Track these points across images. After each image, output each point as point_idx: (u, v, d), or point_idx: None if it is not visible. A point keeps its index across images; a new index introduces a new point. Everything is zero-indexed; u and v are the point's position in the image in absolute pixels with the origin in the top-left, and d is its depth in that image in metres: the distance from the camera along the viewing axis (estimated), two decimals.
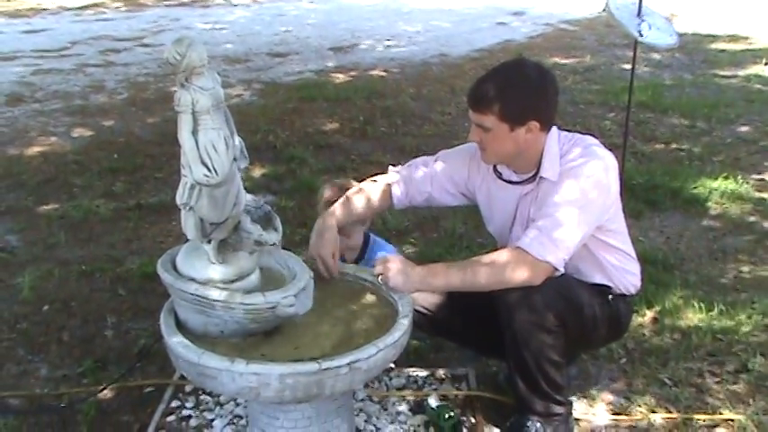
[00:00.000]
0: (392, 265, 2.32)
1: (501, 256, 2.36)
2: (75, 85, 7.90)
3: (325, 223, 2.59)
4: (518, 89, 2.37)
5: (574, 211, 2.33)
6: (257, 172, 5.20)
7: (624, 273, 2.58)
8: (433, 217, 4.46)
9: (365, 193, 2.72)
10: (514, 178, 2.55)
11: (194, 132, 1.90)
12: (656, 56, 8.82)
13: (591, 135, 2.57)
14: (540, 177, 2.46)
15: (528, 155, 2.46)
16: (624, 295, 2.61)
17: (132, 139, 6.10)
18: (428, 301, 2.65)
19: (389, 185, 2.74)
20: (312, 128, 6.29)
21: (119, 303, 3.56)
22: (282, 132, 6.13)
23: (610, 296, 2.55)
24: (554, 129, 2.50)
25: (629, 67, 8.20)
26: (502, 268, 2.32)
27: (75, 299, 3.60)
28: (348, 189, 2.82)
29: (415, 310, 2.46)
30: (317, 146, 5.79)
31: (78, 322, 3.40)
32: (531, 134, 2.40)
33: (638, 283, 2.66)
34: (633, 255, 2.63)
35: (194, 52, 1.84)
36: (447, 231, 4.25)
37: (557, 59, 8.87)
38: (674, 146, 5.83)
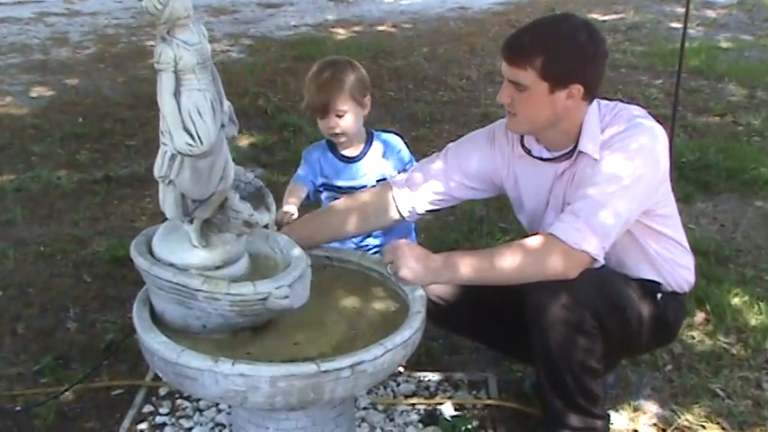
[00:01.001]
0: (404, 252, 2.30)
1: (530, 243, 2.34)
2: (35, 36, 7.89)
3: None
4: (565, 45, 2.35)
5: (616, 192, 2.31)
6: (245, 141, 5.20)
7: (676, 266, 2.56)
8: None
9: (357, 209, 2.67)
10: (546, 155, 2.53)
11: (176, 94, 1.88)
12: (711, 13, 8.78)
13: (636, 105, 2.55)
14: (579, 153, 2.44)
15: (563, 127, 2.44)
16: (676, 293, 2.59)
17: (100, 100, 6.09)
18: (443, 290, 2.63)
19: (392, 197, 2.67)
20: None
21: (83, 291, 3.56)
22: (274, 96, 6.13)
23: (658, 294, 2.53)
24: (594, 101, 2.48)
25: (678, 25, 8.30)
26: (531, 258, 2.31)
27: (32, 285, 3.60)
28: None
29: (429, 300, 2.46)
30: None
31: (36, 312, 3.40)
32: (572, 101, 2.38)
33: (692, 279, 2.64)
34: (686, 245, 2.61)
35: (178, 1, 1.82)
36: (465, 214, 4.24)
37: (595, 15, 8.82)
38: (730, 119, 5.81)
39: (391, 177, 2.79)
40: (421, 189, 2.66)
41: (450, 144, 2.73)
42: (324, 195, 3.00)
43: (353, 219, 2.65)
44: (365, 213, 2.67)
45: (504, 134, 2.62)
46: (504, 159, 2.62)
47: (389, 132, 3.07)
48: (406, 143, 3.04)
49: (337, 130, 2.86)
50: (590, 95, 2.41)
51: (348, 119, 2.85)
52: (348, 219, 2.64)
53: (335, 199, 2.91)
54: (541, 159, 2.54)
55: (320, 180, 2.98)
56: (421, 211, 2.70)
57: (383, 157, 2.96)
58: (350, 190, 2.92)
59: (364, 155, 2.94)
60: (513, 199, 2.70)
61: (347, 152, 2.95)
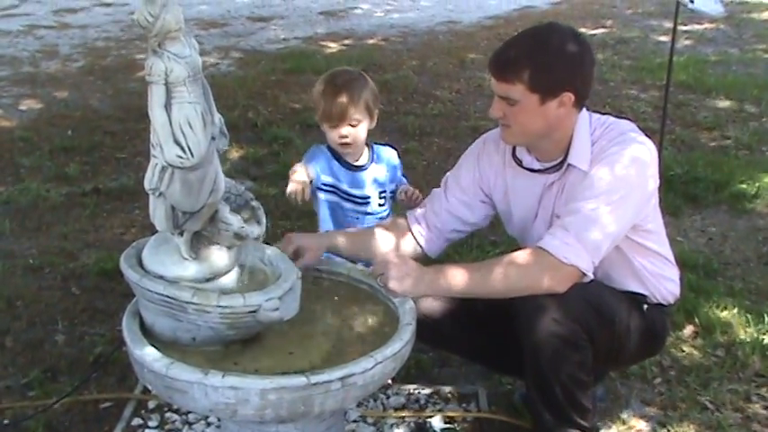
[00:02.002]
0: (394, 265, 2.31)
1: (520, 257, 2.35)
2: (24, 49, 7.88)
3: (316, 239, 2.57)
4: (551, 54, 2.35)
5: (605, 208, 2.32)
6: (235, 154, 5.20)
7: (661, 279, 2.58)
8: None
9: (387, 239, 2.68)
10: (536, 166, 2.54)
11: (167, 106, 1.88)
12: (699, 27, 8.82)
13: (625, 119, 2.57)
14: (569, 165, 2.45)
15: (555, 137, 2.45)
16: (661, 305, 2.60)
17: (89, 113, 6.08)
18: (432, 306, 2.63)
19: (411, 232, 2.71)
20: (299, 104, 6.27)
21: (72, 304, 3.55)
22: (264, 109, 6.13)
23: (644, 306, 2.55)
24: (585, 112, 2.49)
25: (665, 39, 8.35)
26: (521, 272, 2.31)
27: (21, 297, 3.58)
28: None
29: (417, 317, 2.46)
30: (305, 125, 5.77)
31: (24, 325, 3.38)
32: (564, 109, 2.39)
33: (677, 292, 2.66)
34: (671, 258, 2.63)
35: (169, 14, 1.82)
36: None
37: (583, 30, 8.82)
38: (718, 132, 5.84)
39: (409, 213, 2.77)
40: (432, 222, 2.70)
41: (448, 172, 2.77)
42: (324, 197, 2.94)
43: (387, 243, 2.66)
44: (394, 243, 2.68)
45: (494, 144, 2.63)
46: (493, 169, 2.64)
47: (386, 145, 3.06)
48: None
49: (349, 140, 2.84)
50: (581, 103, 2.43)
51: (361, 128, 2.84)
52: (383, 242, 2.65)
53: (335, 203, 2.92)
54: (531, 171, 2.55)
55: (327, 180, 2.91)
56: (439, 244, 2.73)
57: (382, 167, 2.97)
58: (354, 198, 2.92)
59: (369, 165, 2.94)
60: (501, 211, 2.70)
61: (354, 161, 2.94)
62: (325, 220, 2.96)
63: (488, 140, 2.67)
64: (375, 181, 2.94)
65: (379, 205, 2.94)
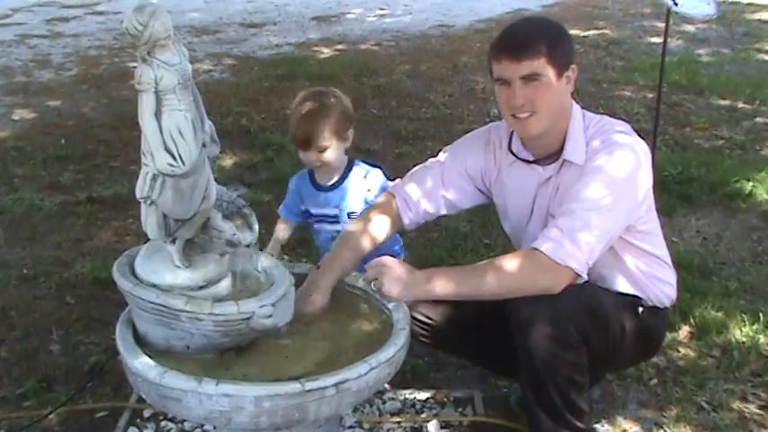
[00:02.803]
0: (388, 269, 2.31)
1: (514, 259, 2.35)
2: (17, 58, 7.87)
3: (317, 283, 2.43)
4: (555, 30, 2.48)
5: (600, 208, 2.33)
6: (228, 161, 5.19)
7: (656, 282, 2.58)
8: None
9: (367, 231, 2.62)
10: (532, 159, 2.56)
11: (157, 114, 1.88)
12: (691, 28, 8.84)
13: (619, 119, 2.57)
14: (564, 161, 2.46)
15: (559, 125, 2.47)
16: (657, 308, 2.61)
17: (82, 121, 6.08)
18: (429, 308, 2.63)
19: (394, 209, 2.67)
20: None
21: (66, 313, 3.54)
22: (258, 115, 6.12)
23: (640, 308, 2.55)
24: (577, 107, 2.51)
25: (658, 40, 8.35)
26: (515, 274, 2.31)
27: (15, 307, 3.57)
28: None
29: (414, 319, 2.47)
30: None
31: (19, 335, 3.37)
32: (570, 85, 2.46)
33: (674, 295, 2.66)
34: (668, 261, 2.63)
35: (158, 21, 1.82)
36: (449, 230, 4.24)
37: (576, 32, 8.84)
38: (711, 132, 5.84)
39: (398, 193, 2.71)
40: (419, 194, 2.68)
41: (446, 147, 2.76)
42: (307, 221, 3.03)
43: (365, 239, 2.59)
44: (374, 230, 2.62)
45: (498, 138, 2.64)
46: (496, 163, 2.65)
47: (375, 167, 3.03)
48: (387, 176, 3.01)
49: (317, 164, 2.88)
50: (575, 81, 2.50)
51: (329, 153, 2.85)
52: (361, 241, 2.58)
53: (312, 224, 3.00)
54: (527, 162, 2.55)
55: (300, 207, 3.01)
56: (419, 220, 2.71)
57: (360, 188, 2.94)
58: (322, 218, 2.96)
59: (338, 185, 2.94)
60: (498, 205, 2.72)
61: (322, 180, 2.95)
62: (315, 239, 3.08)
63: (493, 131, 2.68)
64: (347, 200, 2.93)
65: None
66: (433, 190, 2.68)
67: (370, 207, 2.75)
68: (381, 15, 9.91)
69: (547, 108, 2.43)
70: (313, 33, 9.01)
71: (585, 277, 2.34)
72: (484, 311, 2.45)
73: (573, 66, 2.45)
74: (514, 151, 2.58)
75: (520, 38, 2.43)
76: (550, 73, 2.38)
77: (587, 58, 7.77)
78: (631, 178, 2.39)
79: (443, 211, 2.73)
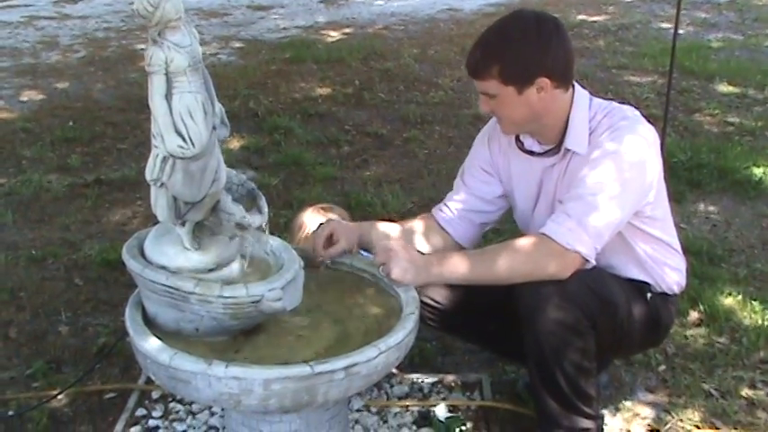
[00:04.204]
0: (396, 253, 2.31)
1: (522, 243, 2.35)
2: (25, 40, 7.87)
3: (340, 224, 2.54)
4: (516, 44, 2.36)
5: (607, 193, 2.32)
6: (236, 144, 5.19)
7: (665, 268, 2.57)
8: (440, 199, 4.41)
9: (414, 228, 2.69)
10: (536, 149, 2.55)
11: (167, 96, 1.88)
12: (701, 14, 8.80)
13: (628, 105, 2.56)
14: (566, 149, 2.45)
15: (550, 120, 2.45)
16: (666, 294, 2.60)
17: (90, 103, 6.07)
18: (438, 292, 2.63)
19: (437, 222, 2.73)
20: (300, 93, 6.27)
21: (75, 294, 3.55)
22: (265, 98, 6.12)
23: (648, 294, 2.54)
24: (584, 94, 2.49)
25: (668, 25, 8.33)
26: (524, 258, 2.31)
27: (24, 289, 3.58)
28: (330, 212, 2.93)
29: (423, 303, 2.48)
30: (306, 114, 5.78)
31: (28, 316, 3.38)
32: (545, 93, 2.38)
33: (683, 282, 2.65)
34: (677, 247, 2.62)
35: (169, 3, 1.82)
36: None
37: (584, 16, 8.85)
38: (721, 118, 5.82)
39: (435, 207, 2.79)
40: (455, 207, 2.72)
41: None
42: None
43: (416, 236, 2.67)
44: (423, 235, 2.69)
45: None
46: (501, 151, 2.66)
47: None
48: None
49: None
50: (562, 83, 2.41)
51: None
52: (412, 235, 2.66)
53: None
54: (532, 154, 2.55)
55: None
56: (470, 230, 2.73)
57: None
58: None
59: None
60: (507, 194, 2.71)
61: None
62: None
63: (495, 126, 2.68)
64: None
65: None
66: (462, 189, 2.72)
67: (419, 221, 2.77)
68: None
69: (510, 119, 2.46)
70: (321, 17, 8.98)
71: (594, 262, 2.33)
72: (492, 296, 2.45)
73: (539, 79, 2.35)
74: (521, 139, 2.59)
75: (471, 61, 2.41)
76: (507, 91, 2.37)
77: (596, 44, 7.76)
78: (639, 163, 2.37)
79: (488, 209, 2.74)
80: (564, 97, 2.44)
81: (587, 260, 2.32)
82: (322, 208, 3.05)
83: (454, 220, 2.71)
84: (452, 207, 2.72)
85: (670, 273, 2.59)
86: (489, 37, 2.41)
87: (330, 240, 2.49)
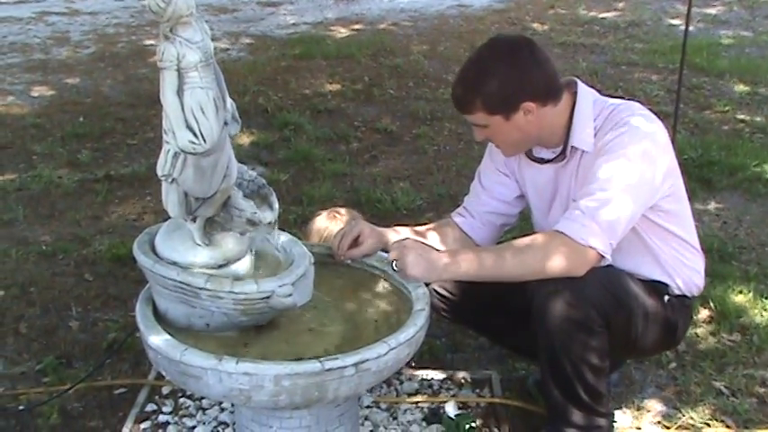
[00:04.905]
0: (410, 250, 2.30)
1: (537, 240, 2.34)
2: (35, 36, 7.87)
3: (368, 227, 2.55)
4: (492, 76, 2.38)
5: (619, 188, 2.30)
6: (246, 139, 5.19)
7: (684, 267, 2.54)
8: (450, 195, 4.44)
9: (434, 232, 2.70)
10: (544, 155, 2.56)
11: (179, 92, 1.87)
12: (711, 11, 8.77)
13: (636, 101, 2.55)
14: (572, 148, 2.45)
15: (546, 132, 2.47)
16: (684, 297, 2.57)
17: (100, 99, 6.08)
18: (451, 283, 2.65)
19: (457, 225, 2.74)
20: (309, 89, 6.26)
21: (85, 290, 3.55)
22: (275, 94, 6.11)
23: (666, 296, 2.52)
24: (588, 92, 2.49)
25: (678, 22, 8.30)
26: (537, 255, 2.30)
27: (34, 284, 3.58)
28: (343, 215, 2.94)
29: (436, 293, 2.52)
30: (315, 110, 5.77)
31: (38, 311, 3.39)
32: (532, 115, 2.40)
33: (702, 284, 2.62)
34: (697, 246, 2.59)
35: None
36: None
37: (594, 13, 8.82)
38: (732, 115, 5.79)
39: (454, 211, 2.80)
40: (473, 208, 2.73)
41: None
42: None
43: (439, 239, 2.68)
44: (444, 238, 2.69)
45: None
46: (509, 164, 2.67)
47: None
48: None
49: None
50: (549, 101, 2.42)
51: None
52: (436, 238, 2.67)
53: None
54: (542, 161, 2.56)
55: None
56: (488, 231, 2.74)
57: None
58: None
59: None
60: (524, 194, 2.71)
61: None
62: None
63: None
64: None
65: None
66: (480, 192, 2.73)
67: (440, 224, 2.78)
68: None
69: (506, 144, 2.52)
70: (330, 13, 8.97)
71: (609, 259, 2.31)
72: (505, 290, 2.44)
73: (524, 104, 2.37)
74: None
75: (455, 97, 2.47)
76: (495, 120, 2.40)
77: (606, 40, 7.73)
78: (648, 155, 2.36)
79: (507, 211, 2.74)
80: (556, 110, 2.44)
81: (602, 256, 2.30)
82: (336, 213, 3.03)
83: (476, 225, 2.72)
84: (473, 211, 2.73)
85: (689, 273, 2.55)
86: (467, 72, 2.45)
87: (356, 241, 2.48)
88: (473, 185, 2.78)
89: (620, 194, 2.31)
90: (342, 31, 8.15)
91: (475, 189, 2.76)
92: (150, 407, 2.75)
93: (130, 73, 6.66)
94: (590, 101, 2.47)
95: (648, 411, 2.81)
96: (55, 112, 5.78)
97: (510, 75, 2.38)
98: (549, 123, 2.44)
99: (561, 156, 2.50)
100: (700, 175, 4.67)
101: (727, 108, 5.90)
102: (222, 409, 2.71)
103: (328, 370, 1.95)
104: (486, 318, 2.71)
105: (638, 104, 2.49)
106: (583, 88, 2.49)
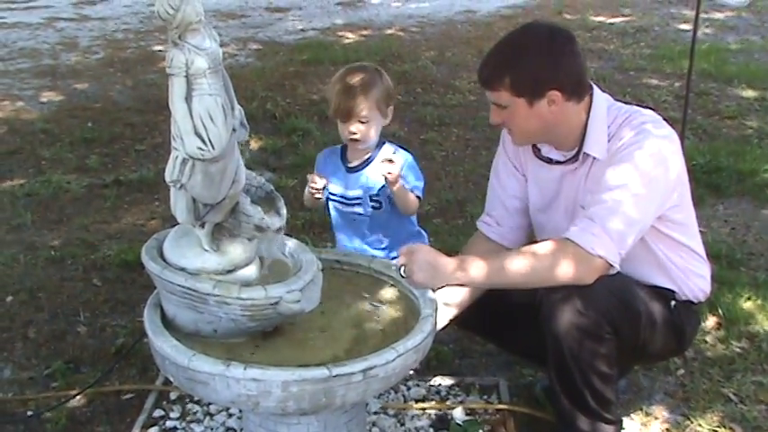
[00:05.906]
0: (418, 256, 2.29)
1: (545, 247, 2.33)
2: (45, 41, 7.91)
3: None
4: (527, 57, 2.37)
5: (630, 198, 2.30)
6: (254, 145, 5.20)
7: (690, 274, 2.55)
8: (458, 201, 4.44)
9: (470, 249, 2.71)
10: (554, 156, 2.54)
11: (188, 99, 1.88)
12: (720, 16, 8.74)
13: (646, 107, 2.55)
14: (584, 154, 2.44)
15: (563, 130, 2.45)
16: (690, 303, 2.57)
17: (109, 105, 6.10)
18: (460, 291, 2.61)
19: (482, 231, 2.76)
20: (317, 95, 6.26)
21: (93, 295, 3.56)
22: (283, 100, 6.12)
23: (672, 302, 2.51)
24: (604, 98, 2.48)
25: (686, 27, 8.29)
26: (546, 263, 2.29)
27: (43, 289, 3.59)
28: None
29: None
30: (323, 116, 5.76)
31: (47, 316, 3.39)
32: (556, 106, 2.39)
33: (708, 289, 2.62)
34: (702, 253, 2.60)
35: (189, 5, 1.82)
36: (474, 217, 4.18)
37: (602, 18, 8.81)
38: (740, 121, 5.78)
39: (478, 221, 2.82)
40: (493, 208, 2.75)
41: None
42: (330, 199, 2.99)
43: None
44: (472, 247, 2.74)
45: None
46: (518, 157, 2.66)
47: (401, 148, 2.99)
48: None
49: (358, 136, 2.83)
50: (574, 95, 2.41)
51: (370, 126, 2.83)
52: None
53: (335, 208, 2.98)
54: (549, 161, 2.54)
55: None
56: (514, 232, 2.73)
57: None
58: (341, 199, 2.94)
59: (366, 165, 2.92)
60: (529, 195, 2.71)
61: (353, 158, 2.93)
62: (333, 222, 3.06)
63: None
64: (368, 180, 2.91)
65: (373, 207, 2.93)
66: (496, 187, 2.74)
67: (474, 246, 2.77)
68: (407, 1, 9.87)
69: (520, 130, 2.48)
70: (338, 18, 8.99)
71: (618, 267, 2.31)
72: (514, 296, 2.44)
73: (551, 92, 2.36)
74: (537, 145, 2.59)
75: (483, 71, 2.43)
76: (518, 103, 2.38)
77: (614, 46, 7.72)
78: (660, 165, 2.36)
79: (520, 204, 2.72)
80: (577, 108, 2.43)
81: (611, 265, 2.30)
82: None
83: (504, 232, 2.72)
84: (497, 217, 2.73)
85: (695, 279, 2.56)
86: (502, 48, 2.43)
87: None
88: (489, 183, 2.77)
89: (632, 205, 2.30)
90: (350, 37, 8.16)
91: (491, 186, 2.76)
92: (158, 412, 2.76)
93: (139, 78, 6.69)
94: (605, 106, 2.46)
95: (656, 418, 2.80)
96: (64, 117, 5.80)
97: (545, 58, 2.36)
98: (568, 120, 2.43)
99: (573, 160, 2.49)
100: (708, 181, 4.66)
101: (735, 114, 5.89)
102: (230, 415, 2.72)
103: (336, 376, 1.94)
104: (493, 324, 2.70)
105: (650, 112, 2.49)
106: (599, 93, 2.49)
